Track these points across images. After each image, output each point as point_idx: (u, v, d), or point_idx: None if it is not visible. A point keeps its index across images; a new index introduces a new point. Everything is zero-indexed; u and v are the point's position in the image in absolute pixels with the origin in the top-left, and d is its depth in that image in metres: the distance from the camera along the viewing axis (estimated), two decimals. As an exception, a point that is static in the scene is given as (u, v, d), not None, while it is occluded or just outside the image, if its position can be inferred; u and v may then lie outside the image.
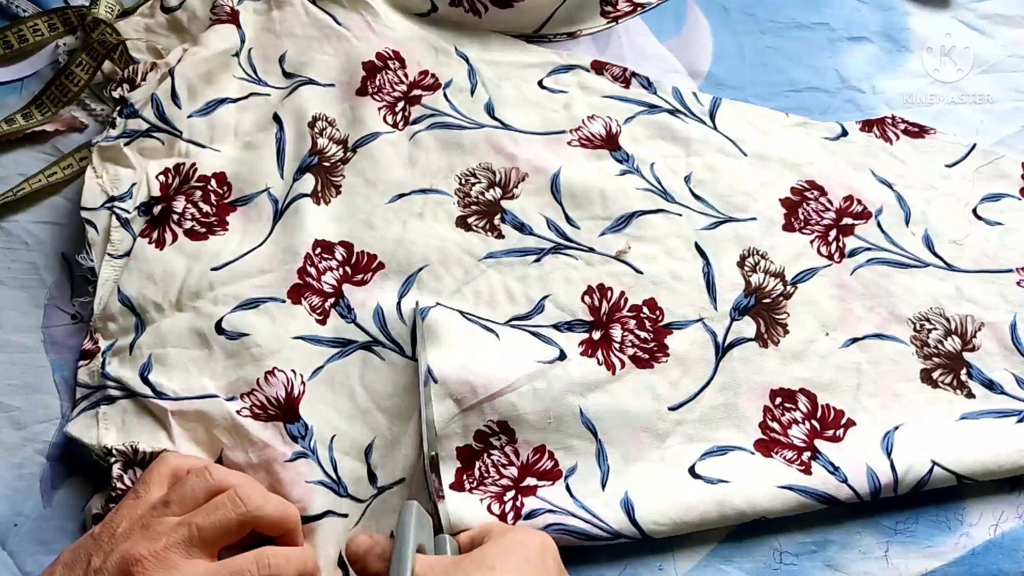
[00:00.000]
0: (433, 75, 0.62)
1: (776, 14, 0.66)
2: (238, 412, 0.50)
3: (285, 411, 0.50)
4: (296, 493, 0.48)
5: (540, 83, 0.62)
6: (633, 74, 0.62)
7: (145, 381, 0.51)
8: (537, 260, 0.55)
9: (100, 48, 0.60)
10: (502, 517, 0.48)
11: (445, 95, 0.61)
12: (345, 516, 0.49)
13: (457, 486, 0.49)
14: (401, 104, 0.60)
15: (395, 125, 0.60)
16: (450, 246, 0.56)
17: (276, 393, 0.51)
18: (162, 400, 0.50)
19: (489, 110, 0.60)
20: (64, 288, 0.56)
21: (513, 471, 0.50)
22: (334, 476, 0.49)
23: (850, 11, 0.66)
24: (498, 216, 0.57)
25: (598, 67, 0.63)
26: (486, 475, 0.49)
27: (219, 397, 0.50)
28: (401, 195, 0.57)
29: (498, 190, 0.58)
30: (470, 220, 0.57)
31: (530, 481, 0.49)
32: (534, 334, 0.53)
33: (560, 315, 0.54)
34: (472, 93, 0.61)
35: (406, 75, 0.61)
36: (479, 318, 0.53)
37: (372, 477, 0.50)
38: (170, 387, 0.51)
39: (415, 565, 0.39)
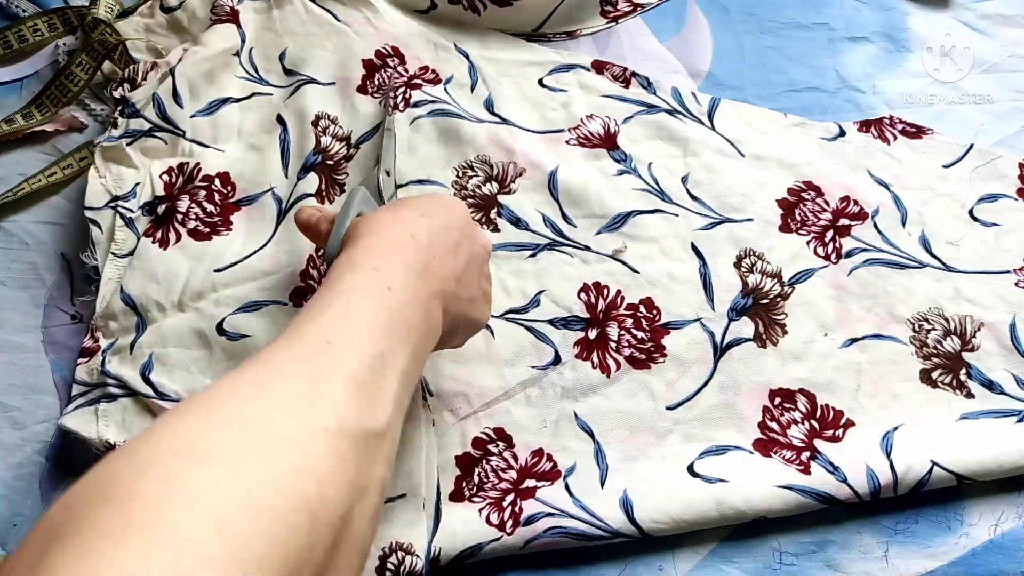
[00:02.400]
0: (433, 71, 0.62)
1: (776, 14, 0.66)
2: (238, 412, 0.50)
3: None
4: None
5: (540, 81, 0.62)
6: (633, 74, 0.62)
7: (146, 381, 0.51)
8: (533, 255, 0.55)
9: (100, 48, 0.60)
10: (501, 524, 0.48)
11: (445, 90, 0.61)
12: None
13: (457, 494, 0.49)
14: (402, 90, 0.60)
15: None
16: None
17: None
18: (164, 401, 0.50)
19: (489, 106, 0.60)
20: (64, 288, 0.56)
21: (512, 474, 0.50)
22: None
23: (850, 11, 0.66)
24: (494, 210, 0.57)
25: (598, 67, 0.63)
26: (485, 480, 0.49)
27: (220, 397, 0.50)
28: (399, 186, 0.57)
29: (495, 184, 0.57)
30: None
31: (529, 483, 0.50)
32: (529, 329, 0.53)
33: (556, 310, 0.54)
34: (472, 89, 0.61)
35: (406, 70, 0.61)
36: None
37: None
38: (171, 387, 0.51)
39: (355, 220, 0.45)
